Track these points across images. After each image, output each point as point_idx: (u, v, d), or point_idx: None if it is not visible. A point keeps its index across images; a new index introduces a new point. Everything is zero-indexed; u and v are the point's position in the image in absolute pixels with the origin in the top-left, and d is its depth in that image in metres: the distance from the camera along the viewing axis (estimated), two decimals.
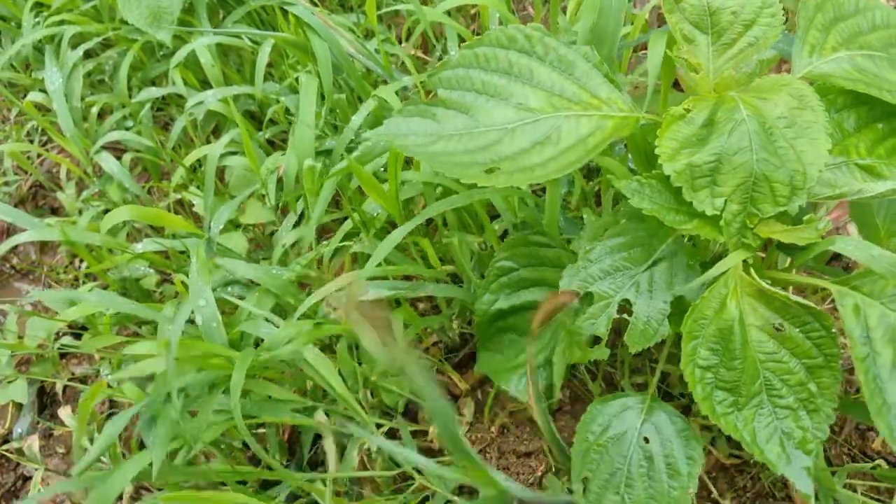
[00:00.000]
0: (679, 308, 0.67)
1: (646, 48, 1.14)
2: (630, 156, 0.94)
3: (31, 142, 1.65)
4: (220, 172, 1.33)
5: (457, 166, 0.66)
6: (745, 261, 0.64)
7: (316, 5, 1.22)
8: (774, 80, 0.65)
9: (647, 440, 0.70)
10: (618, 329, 0.75)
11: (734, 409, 0.62)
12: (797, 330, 0.62)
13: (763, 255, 0.73)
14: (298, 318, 0.93)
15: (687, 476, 0.68)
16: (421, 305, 1.17)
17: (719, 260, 0.66)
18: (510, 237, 0.86)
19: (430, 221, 1.11)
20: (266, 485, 1.05)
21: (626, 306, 0.69)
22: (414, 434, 1.06)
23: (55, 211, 1.68)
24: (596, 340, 0.72)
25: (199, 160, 1.31)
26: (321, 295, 0.86)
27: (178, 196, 1.37)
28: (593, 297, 0.69)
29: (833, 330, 0.61)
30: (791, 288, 0.87)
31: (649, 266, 0.69)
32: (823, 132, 0.61)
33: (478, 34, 1.42)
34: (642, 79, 1.05)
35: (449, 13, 1.45)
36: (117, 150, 1.48)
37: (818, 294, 0.89)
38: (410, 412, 1.10)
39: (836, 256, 1.19)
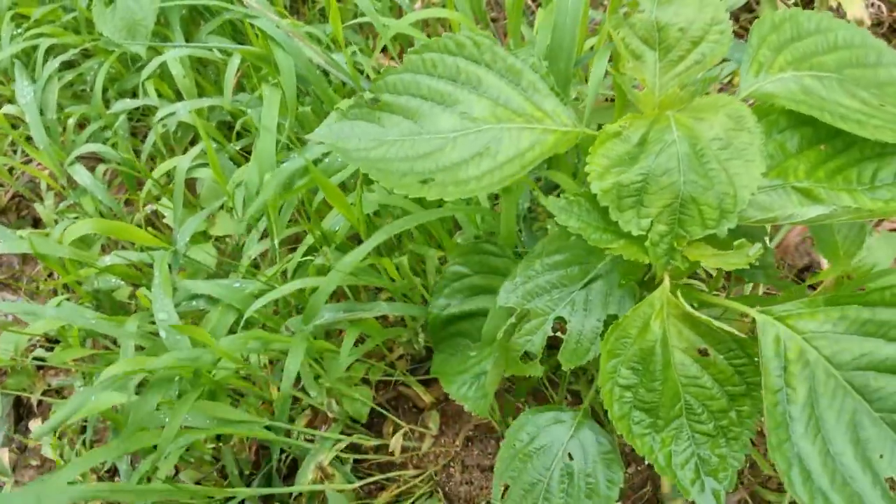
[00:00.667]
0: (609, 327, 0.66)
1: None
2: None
3: (15, 152, 1.66)
4: (195, 185, 1.34)
5: (393, 175, 0.66)
6: (675, 282, 0.64)
7: (287, 16, 1.22)
8: (713, 100, 0.64)
9: (571, 457, 0.70)
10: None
11: (651, 430, 0.61)
12: (722, 356, 0.61)
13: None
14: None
15: (605, 499, 0.67)
16: (389, 318, 1.17)
17: (654, 280, 0.65)
18: (464, 244, 0.85)
19: (397, 236, 1.11)
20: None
21: (561, 324, 0.68)
22: (377, 448, 1.05)
23: (37, 222, 1.69)
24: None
25: (171, 172, 1.31)
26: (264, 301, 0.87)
27: (154, 208, 1.38)
28: (529, 313, 0.68)
29: (756, 359, 0.60)
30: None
31: (585, 284, 0.68)
32: (759, 155, 0.60)
33: None
34: (607, 92, 1.05)
35: (426, 25, 1.45)
36: (96, 161, 1.48)
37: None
38: (375, 424, 1.09)
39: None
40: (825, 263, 1.04)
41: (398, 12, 1.43)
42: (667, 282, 0.63)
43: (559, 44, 0.85)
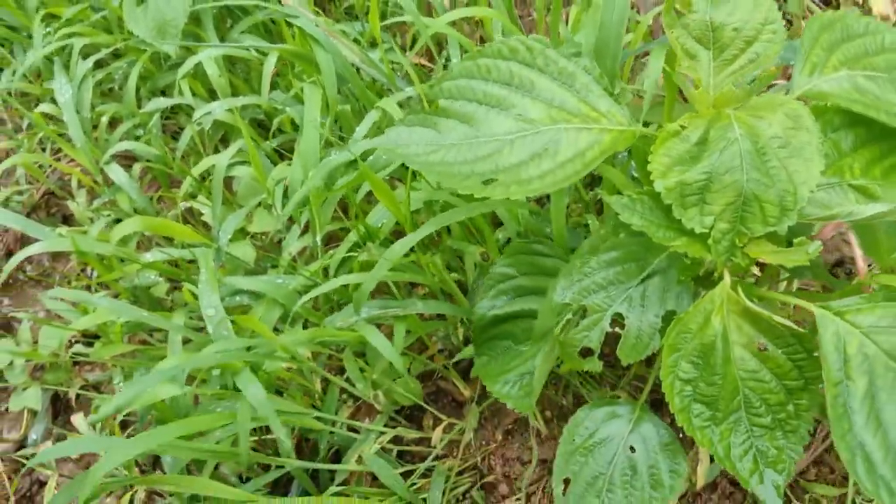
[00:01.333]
0: (670, 322, 0.68)
1: (648, 55, 1.15)
2: (633, 164, 0.95)
3: (44, 150, 1.68)
4: (229, 182, 1.35)
5: (455, 177, 0.67)
6: (734, 278, 0.65)
7: (320, 14, 1.23)
8: (771, 99, 0.66)
9: (633, 449, 0.71)
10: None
11: (711, 423, 0.62)
12: (780, 351, 0.63)
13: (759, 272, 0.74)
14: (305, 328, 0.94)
15: (669, 488, 0.69)
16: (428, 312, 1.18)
17: (711, 276, 0.67)
18: (512, 244, 0.87)
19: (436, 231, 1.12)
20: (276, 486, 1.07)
21: (618, 319, 0.70)
22: (418, 441, 1.07)
23: (66, 219, 1.71)
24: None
25: (207, 170, 1.32)
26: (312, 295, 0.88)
27: (188, 205, 1.39)
28: (587, 309, 0.70)
29: (815, 354, 0.62)
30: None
31: (642, 280, 0.70)
32: (817, 153, 0.62)
33: (482, 41, 1.43)
34: (645, 88, 1.06)
35: (454, 22, 1.47)
36: (128, 158, 1.50)
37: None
38: (416, 418, 1.11)
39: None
40: (858, 258, 1.06)
41: (426, 8, 1.44)
42: (727, 278, 0.64)
43: (605, 43, 0.86)
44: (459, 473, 1.04)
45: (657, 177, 0.63)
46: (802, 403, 0.64)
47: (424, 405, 1.07)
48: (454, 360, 1.03)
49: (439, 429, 1.04)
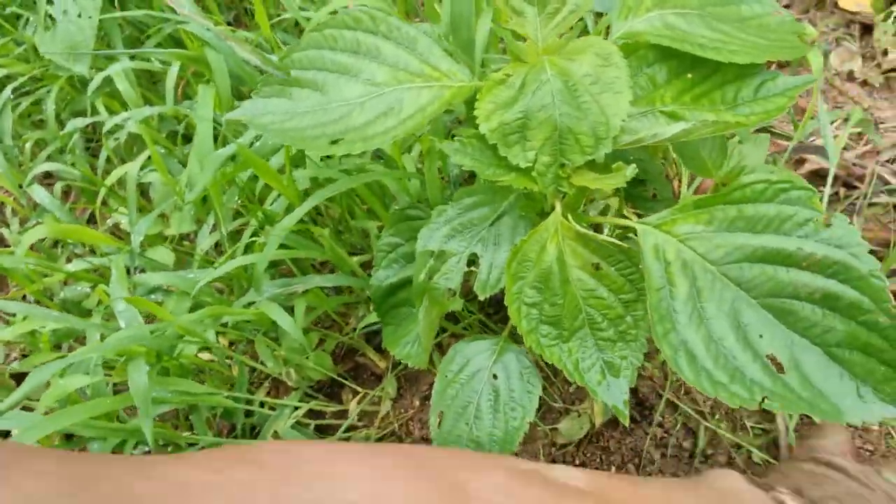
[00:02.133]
0: None
1: None
2: None
3: None
4: (148, 191, 1.40)
5: (306, 140, 0.72)
6: (571, 209, 0.71)
7: (239, 25, 1.29)
8: (584, 42, 0.72)
9: (495, 377, 0.76)
10: None
11: (559, 341, 0.67)
12: (613, 268, 0.68)
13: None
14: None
15: (526, 408, 0.73)
16: (338, 291, 1.23)
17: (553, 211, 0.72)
18: (392, 213, 0.92)
19: (341, 215, 1.17)
20: None
21: (475, 259, 0.75)
22: (338, 415, 1.11)
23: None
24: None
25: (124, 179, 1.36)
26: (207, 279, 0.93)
27: (116, 220, 1.43)
28: (446, 254, 0.75)
29: (641, 266, 0.67)
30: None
31: (493, 221, 0.75)
32: (626, 86, 0.68)
33: None
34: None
35: None
36: (53, 181, 1.54)
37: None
38: (335, 394, 1.15)
39: None
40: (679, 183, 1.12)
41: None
42: (558, 207, 0.70)
43: (458, 13, 0.92)
44: (378, 441, 1.08)
45: (482, 120, 0.68)
46: (638, 314, 0.69)
47: (341, 380, 1.12)
48: (358, 330, 1.07)
49: (354, 400, 1.08)
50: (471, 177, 1.18)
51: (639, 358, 0.68)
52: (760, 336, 0.64)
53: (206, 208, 1.25)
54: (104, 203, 1.53)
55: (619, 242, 0.68)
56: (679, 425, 1.02)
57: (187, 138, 1.39)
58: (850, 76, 1.50)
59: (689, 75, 0.74)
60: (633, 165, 0.68)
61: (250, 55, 1.17)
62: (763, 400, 0.61)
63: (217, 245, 1.24)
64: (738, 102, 0.72)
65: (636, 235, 0.67)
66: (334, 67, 0.77)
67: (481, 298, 0.73)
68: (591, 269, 0.70)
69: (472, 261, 0.76)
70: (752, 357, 0.63)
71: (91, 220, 1.55)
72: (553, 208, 0.71)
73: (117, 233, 1.47)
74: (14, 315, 1.25)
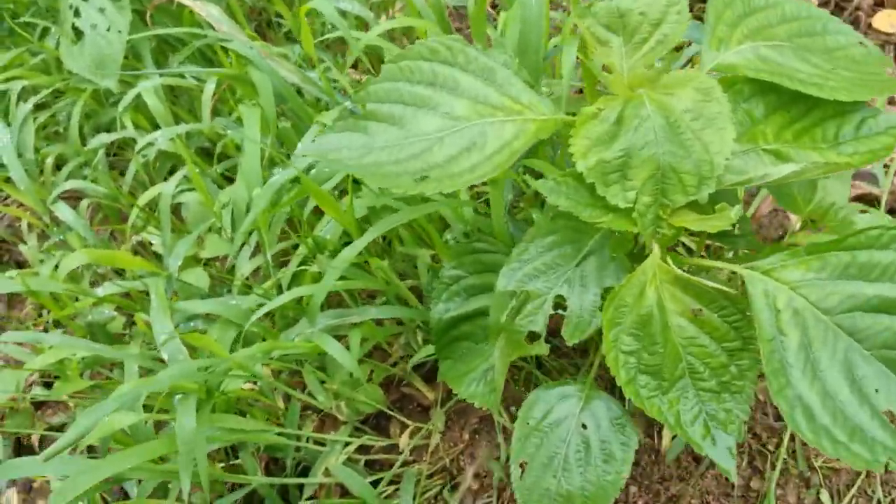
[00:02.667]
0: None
1: None
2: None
3: None
4: (179, 211, 1.35)
5: (387, 177, 0.69)
6: (666, 251, 0.67)
7: (257, 38, 1.25)
8: (681, 76, 0.69)
9: (584, 426, 0.73)
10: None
11: (658, 392, 0.64)
12: (715, 315, 0.65)
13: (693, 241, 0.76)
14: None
15: (621, 461, 0.70)
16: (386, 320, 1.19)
17: (644, 251, 0.69)
18: (456, 245, 0.88)
19: (386, 239, 1.13)
20: None
21: (561, 302, 0.71)
22: (386, 449, 1.07)
23: (20, 265, 1.68)
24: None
25: (155, 200, 1.32)
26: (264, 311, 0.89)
27: (140, 238, 1.39)
28: (529, 295, 0.71)
29: (748, 313, 0.64)
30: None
31: (580, 261, 0.72)
32: (728, 122, 0.65)
33: None
34: (575, 83, 1.09)
35: (392, 37, 1.49)
36: (76, 198, 1.49)
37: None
38: (383, 427, 1.12)
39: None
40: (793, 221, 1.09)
41: (366, 28, 1.46)
42: (656, 249, 0.67)
43: (527, 40, 0.89)
44: (429, 476, 1.04)
45: (578, 157, 0.65)
46: (744, 363, 0.66)
47: (389, 412, 1.08)
48: (412, 363, 1.04)
49: (405, 434, 1.04)
50: (517, 200, 1.14)
51: (745, 411, 0.65)
52: (876, 390, 0.61)
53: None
54: (125, 218, 1.48)
55: (723, 287, 0.64)
56: (745, 463, 0.99)
57: (220, 157, 1.34)
58: (891, 100, 1.48)
59: (789, 111, 0.71)
60: (738, 207, 0.65)
61: (292, 74, 1.14)
62: (888, 462, 0.58)
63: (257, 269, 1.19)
64: (839, 140, 0.70)
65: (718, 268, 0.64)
66: (411, 100, 0.74)
67: (570, 344, 0.70)
68: (691, 315, 0.66)
69: (557, 303, 0.73)
70: (870, 414, 0.60)
71: (113, 237, 1.50)
72: (649, 249, 0.68)
73: (142, 252, 1.42)
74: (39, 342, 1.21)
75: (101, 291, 1.15)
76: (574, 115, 0.70)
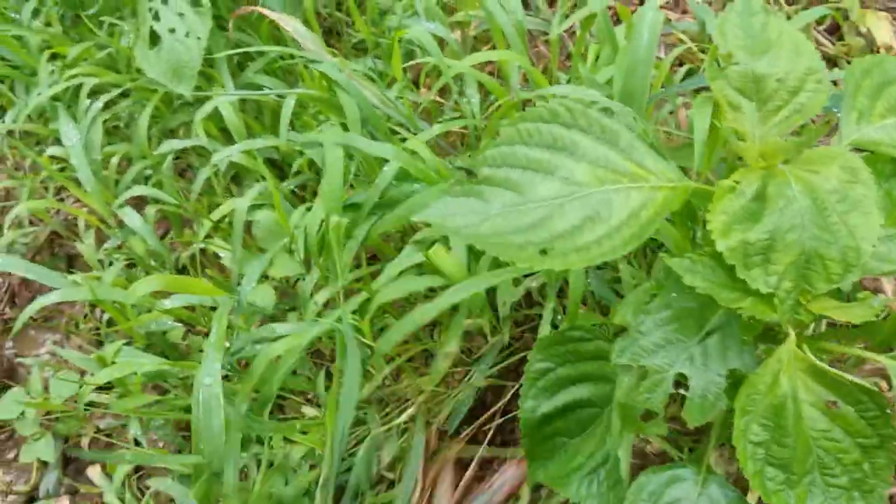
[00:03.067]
0: (732, 381, 0.67)
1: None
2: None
3: (46, 189, 1.65)
4: (246, 224, 1.33)
5: (510, 248, 0.66)
6: (799, 333, 0.64)
7: (336, 55, 1.23)
8: (824, 152, 0.65)
9: None
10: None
11: (786, 486, 0.61)
12: (852, 409, 0.62)
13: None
14: None
15: None
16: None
17: (771, 332, 0.66)
18: (542, 338, 0.85)
19: None
20: None
21: (679, 380, 0.68)
22: None
23: (72, 259, 1.67)
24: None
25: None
26: None
27: (202, 246, 1.37)
28: (647, 371, 0.69)
29: (888, 410, 0.61)
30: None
31: (702, 338, 0.69)
32: (875, 206, 0.61)
33: (497, 78, 1.42)
34: (664, 129, 1.06)
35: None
36: (139, 199, 1.47)
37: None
38: None
39: None
40: None
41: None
42: (792, 335, 0.64)
43: (630, 91, 0.86)
44: None
45: (718, 236, 0.62)
46: (878, 462, 0.63)
47: None
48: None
49: None
50: None
51: None
52: None
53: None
54: (188, 225, 1.47)
55: (863, 382, 0.61)
56: None
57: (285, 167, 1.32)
58: None
59: None
60: (883, 296, 0.62)
61: (377, 100, 1.11)
62: None
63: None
64: None
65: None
66: (529, 164, 0.70)
67: (691, 427, 0.67)
68: (825, 407, 0.63)
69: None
70: None
71: (172, 242, 1.48)
72: (784, 334, 0.65)
73: (204, 260, 1.40)
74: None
75: (167, 304, 1.14)
76: (709, 182, 0.67)
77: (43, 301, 1.16)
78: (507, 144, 0.71)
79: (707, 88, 1.03)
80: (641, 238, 0.65)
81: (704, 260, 0.63)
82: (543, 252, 0.64)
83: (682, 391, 0.68)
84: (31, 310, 1.15)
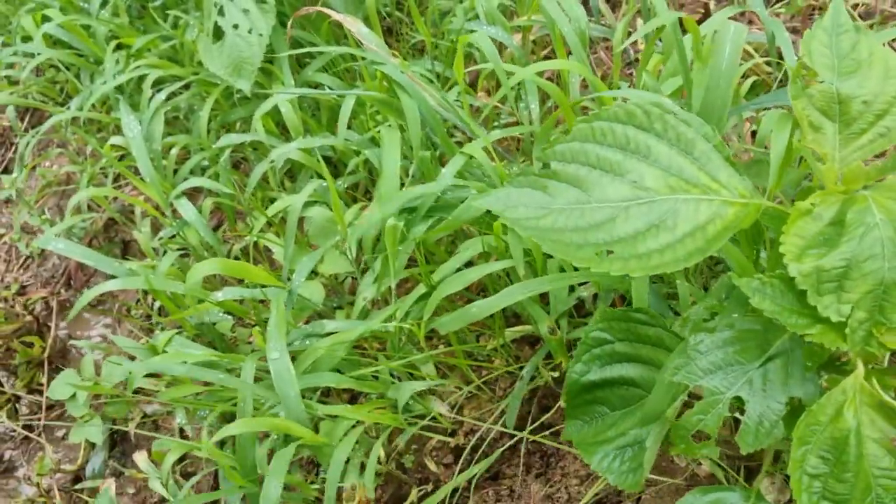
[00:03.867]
0: (791, 409, 0.65)
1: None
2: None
3: (105, 175, 1.69)
4: (300, 220, 1.34)
5: (568, 246, 0.65)
6: (866, 368, 0.62)
7: (396, 55, 1.23)
8: None
9: None
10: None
11: None
12: None
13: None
14: None
15: None
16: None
17: (837, 361, 0.63)
18: (607, 310, 0.84)
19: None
20: None
21: (734, 403, 0.66)
22: None
23: (126, 245, 1.71)
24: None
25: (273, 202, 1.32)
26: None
27: (254, 239, 1.38)
28: (703, 391, 0.67)
29: None
30: None
31: (763, 363, 0.66)
32: None
33: (556, 83, 1.41)
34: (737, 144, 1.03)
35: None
36: (194, 190, 1.50)
37: None
38: None
39: None
40: None
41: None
42: (860, 368, 0.61)
43: (711, 106, 0.84)
44: None
45: (791, 260, 0.60)
46: None
47: None
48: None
49: None
50: None
51: None
52: None
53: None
54: (241, 218, 1.48)
55: None
56: None
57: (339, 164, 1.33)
58: None
59: None
60: None
61: (436, 104, 1.11)
62: None
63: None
64: None
65: None
66: (598, 163, 0.69)
67: (744, 452, 0.65)
68: (889, 444, 0.61)
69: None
70: None
71: (224, 234, 1.50)
72: (852, 366, 0.62)
73: (255, 253, 1.42)
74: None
75: (219, 295, 1.15)
76: (778, 201, 0.65)
77: (101, 288, 1.19)
78: (579, 141, 0.70)
79: (780, 105, 1.00)
80: (706, 252, 0.63)
81: (774, 282, 0.61)
82: (602, 254, 0.63)
83: (736, 414, 0.66)
84: (89, 296, 1.18)
